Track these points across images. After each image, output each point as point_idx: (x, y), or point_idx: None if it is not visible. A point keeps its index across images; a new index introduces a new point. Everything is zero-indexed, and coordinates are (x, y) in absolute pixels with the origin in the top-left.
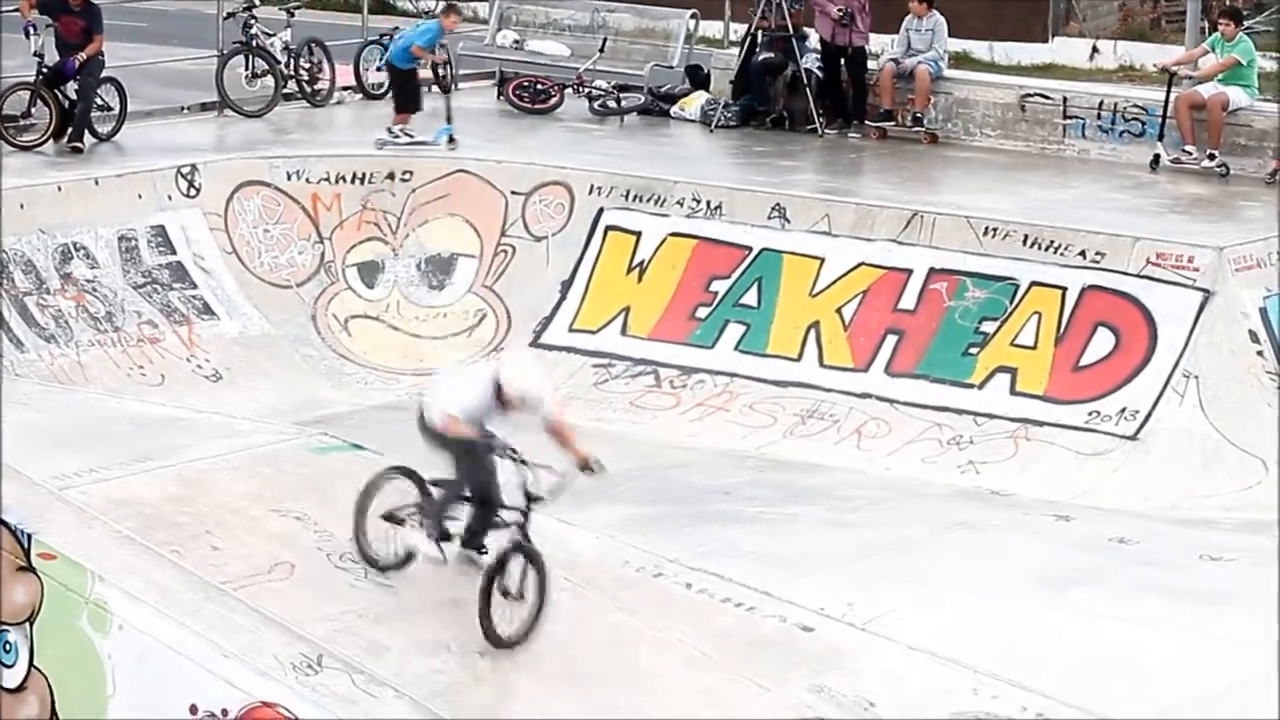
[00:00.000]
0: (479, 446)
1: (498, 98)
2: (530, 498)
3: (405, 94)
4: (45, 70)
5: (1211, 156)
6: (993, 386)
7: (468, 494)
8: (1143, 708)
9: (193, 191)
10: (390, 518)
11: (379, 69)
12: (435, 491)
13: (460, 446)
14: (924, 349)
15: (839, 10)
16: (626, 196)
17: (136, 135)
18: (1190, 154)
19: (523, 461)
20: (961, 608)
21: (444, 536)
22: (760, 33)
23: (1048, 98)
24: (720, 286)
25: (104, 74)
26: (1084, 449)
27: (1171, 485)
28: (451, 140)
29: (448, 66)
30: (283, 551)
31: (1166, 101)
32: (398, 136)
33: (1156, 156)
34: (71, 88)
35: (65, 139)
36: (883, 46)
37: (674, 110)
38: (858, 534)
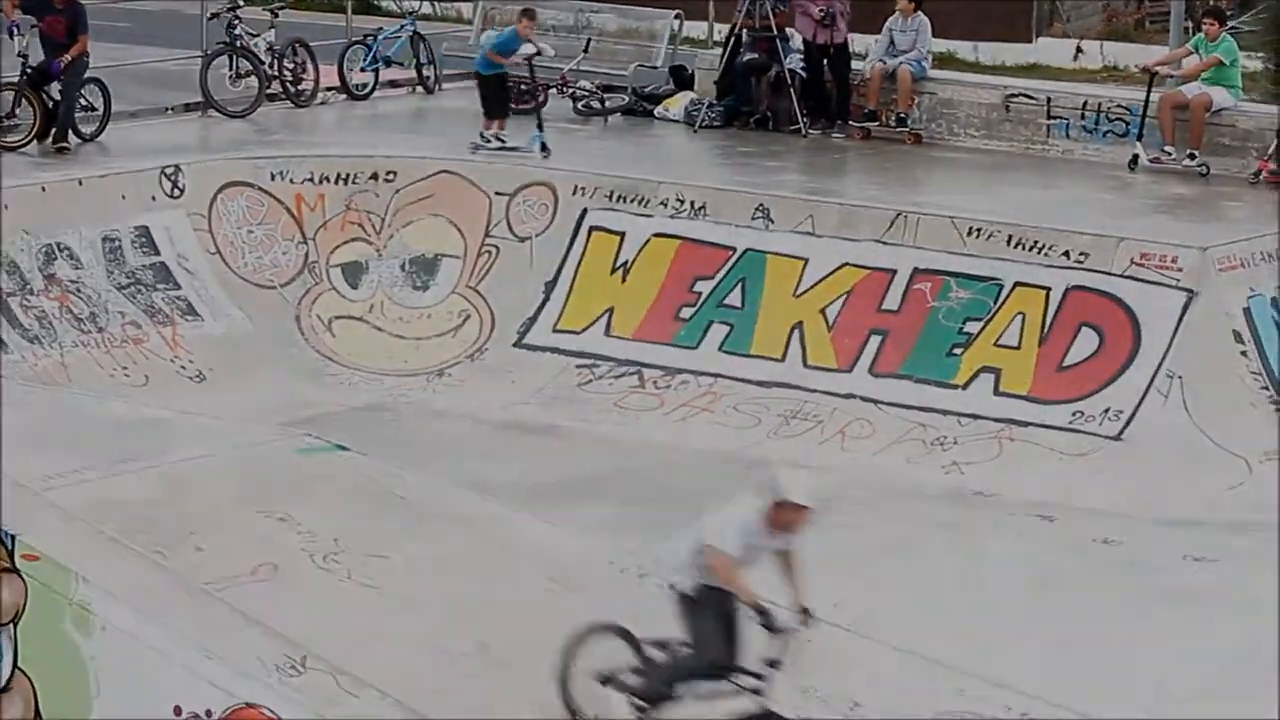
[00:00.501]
0: (735, 606)
1: None
2: (772, 664)
3: (492, 99)
4: (30, 71)
5: (1192, 156)
6: (976, 387)
7: (704, 660)
8: (1127, 708)
9: (176, 192)
10: (605, 679)
11: (363, 69)
12: (657, 655)
13: (714, 602)
14: (908, 349)
15: (820, 10)
16: (610, 197)
17: (120, 136)
18: (1170, 154)
19: (778, 629)
20: (946, 608)
21: (662, 701)
22: (745, 32)
23: (1031, 98)
24: (704, 287)
25: (88, 74)
26: (1068, 449)
27: (1155, 485)
28: (544, 148)
29: (432, 67)
30: (267, 552)
31: (1146, 101)
32: (489, 141)
33: (1135, 156)
34: (56, 88)
35: (50, 140)
36: (866, 46)
37: (658, 111)
38: (842, 535)
